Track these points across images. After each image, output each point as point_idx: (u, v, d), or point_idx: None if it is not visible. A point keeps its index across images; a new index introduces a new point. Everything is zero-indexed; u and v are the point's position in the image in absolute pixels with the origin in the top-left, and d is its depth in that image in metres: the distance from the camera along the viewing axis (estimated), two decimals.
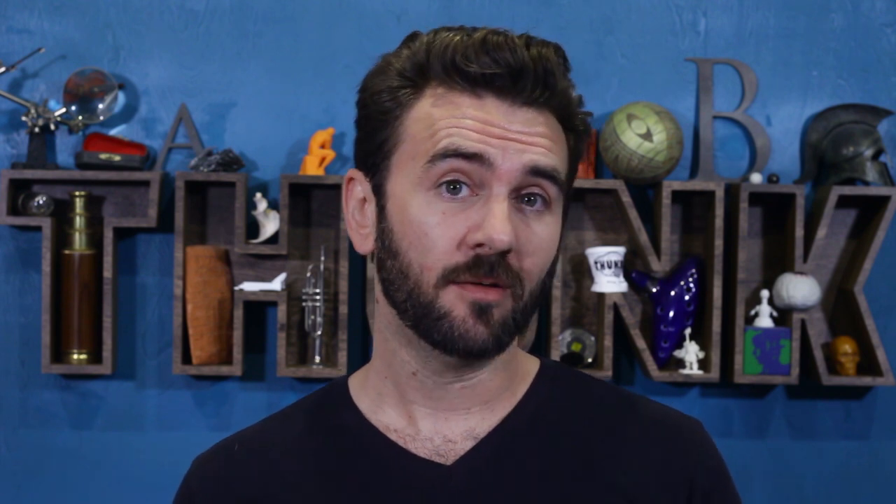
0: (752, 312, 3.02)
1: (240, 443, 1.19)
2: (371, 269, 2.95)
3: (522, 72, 1.03)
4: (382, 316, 1.12)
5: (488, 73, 1.03)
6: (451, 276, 1.04)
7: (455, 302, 1.04)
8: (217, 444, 1.21)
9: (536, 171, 1.04)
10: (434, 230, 1.04)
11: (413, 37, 1.09)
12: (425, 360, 1.10)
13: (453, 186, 1.04)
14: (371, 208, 1.10)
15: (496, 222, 1.02)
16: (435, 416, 1.12)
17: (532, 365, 1.19)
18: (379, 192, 1.09)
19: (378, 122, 1.08)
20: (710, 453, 1.18)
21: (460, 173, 1.03)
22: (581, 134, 1.10)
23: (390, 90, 1.07)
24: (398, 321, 1.09)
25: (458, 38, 1.05)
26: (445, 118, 1.04)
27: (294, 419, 1.19)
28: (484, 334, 1.05)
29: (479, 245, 1.03)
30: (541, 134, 1.05)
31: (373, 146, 1.09)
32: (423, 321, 1.06)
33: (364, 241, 1.11)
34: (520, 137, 1.04)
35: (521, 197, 1.05)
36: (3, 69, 2.92)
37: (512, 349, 1.13)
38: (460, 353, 1.06)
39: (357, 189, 1.12)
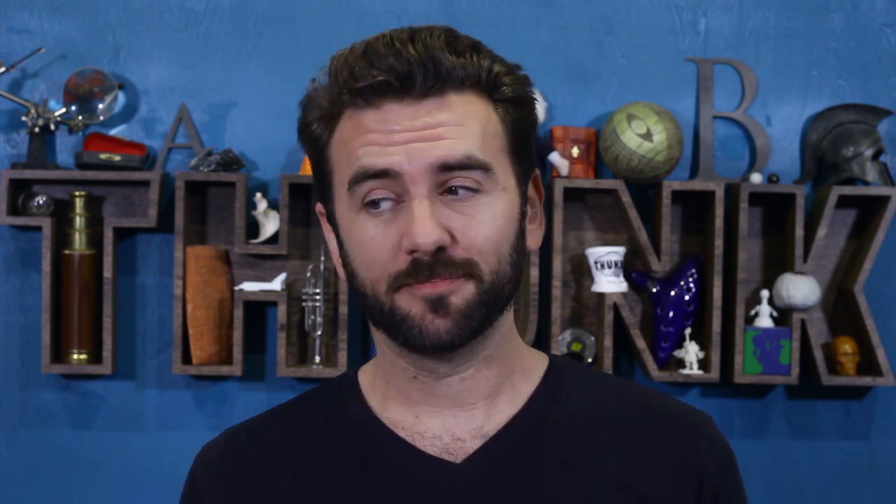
0: (752, 312, 3.02)
1: (246, 431, 1.20)
2: None
3: (409, 70, 1.04)
4: (374, 331, 1.14)
5: (376, 84, 1.04)
6: (396, 283, 1.06)
7: (410, 302, 1.06)
8: (224, 432, 1.22)
9: (446, 167, 1.05)
10: (372, 245, 1.06)
11: (332, 58, 1.10)
12: (420, 363, 1.11)
13: (380, 204, 1.05)
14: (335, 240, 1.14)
15: (417, 226, 1.03)
16: (442, 414, 1.13)
17: (540, 361, 1.19)
18: (332, 221, 1.12)
19: (316, 152, 1.12)
20: (720, 448, 1.18)
21: (379, 190, 1.05)
22: (515, 101, 1.09)
23: (317, 120, 1.10)
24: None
25: (346, 58, 1.07)
26: (353, 140, 1.06)
27: (302, 411, 1.20)
28: (445, 325, 1.06)
29: (412, 251, 1.04)
30: (448, 122, 1.05)
31: (319, 177, 1.13)
32: (390, 328, 1.08)
33: (342, 270, 1.13)
34: (424, 135, 1.04)
35: (450, 189, 1.05)
36: (3, 69, 2.92)
37: (501, 336, 1.13)
38: (427, 349, 1.07)
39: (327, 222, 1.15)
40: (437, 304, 1.05)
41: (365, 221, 1.06)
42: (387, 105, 1.05)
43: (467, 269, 1.05)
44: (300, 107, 1.12)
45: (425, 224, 1.03)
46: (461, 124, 1.05)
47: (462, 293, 1.05)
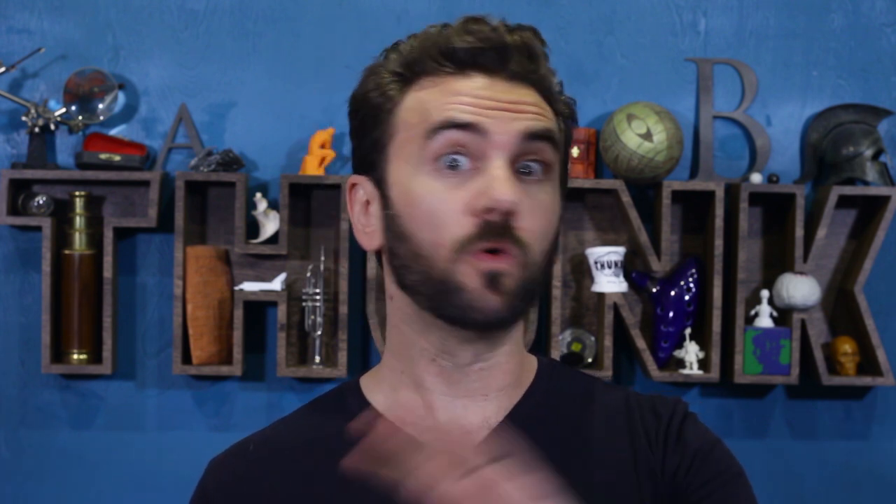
0: (752, 312, 3.02)
1: (254, 444, 1.20)
2: (371, 269, 2.95)
3: (506, 47, 1.08)
4: (398, 309, 1.13)
5: (472, 50, 1.07)
6: (462, 247, 1.05)
7: (469, 273, 1.05)
8: (232, 446, 1.22)
9: (532, 136, 1.07)
10: (441, 205, 1.06)
11: (396, 44, 1.13)
12: (444, 343, 1.11)
13: (453, 163, 1.06)
14: (375, 207, 1.12)
15: (498, 184, 1.04)
16: (453, 405, 1.13)
17: (533, 360, 1.21)
18: (381, 184, 1.11)
19: (371, 119, 1.11)
20: (679, 417, 1.16)
21: (458, 146, 1.06)
22: (566, 118, 1.13)
23: (379, 87, 1.11)
24: (414, 308, 1.10)
25: (440, 28, 1.10)
26: (437, 98, 1.08)
27: (308, 419, 1.20)
28: (498, 303, 1.06)
29: (487, 211, 1.04)
30: (532, 103, 1.08)
31: (369, 145, 1.12)
32: (438, 298, 1.07)
33: (371, 239, 1.13)
34: (511, 107, 1.07)
35: (520, 167, 1.07)
36: (3, 69, 2.92)
37: (518, 333, 1.15)
38: (478, 324, 1.07)
39: (360, 193, 1.14)
40: (494, 280, 1.05)
41: (432, 179, 1.06)
42: (476, 76, 1.08)
43: (523, 248, 1.06)
44: (360, 81, 1.13)
45: (507, 185, 1.04)
46: (543, 108, 1.09)
47: (514, 275, 1.06)
